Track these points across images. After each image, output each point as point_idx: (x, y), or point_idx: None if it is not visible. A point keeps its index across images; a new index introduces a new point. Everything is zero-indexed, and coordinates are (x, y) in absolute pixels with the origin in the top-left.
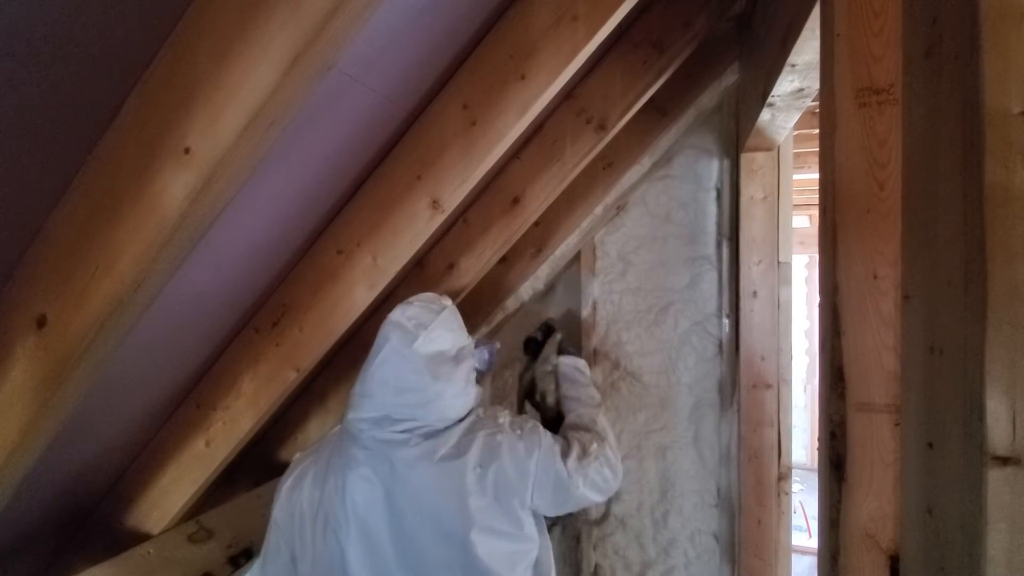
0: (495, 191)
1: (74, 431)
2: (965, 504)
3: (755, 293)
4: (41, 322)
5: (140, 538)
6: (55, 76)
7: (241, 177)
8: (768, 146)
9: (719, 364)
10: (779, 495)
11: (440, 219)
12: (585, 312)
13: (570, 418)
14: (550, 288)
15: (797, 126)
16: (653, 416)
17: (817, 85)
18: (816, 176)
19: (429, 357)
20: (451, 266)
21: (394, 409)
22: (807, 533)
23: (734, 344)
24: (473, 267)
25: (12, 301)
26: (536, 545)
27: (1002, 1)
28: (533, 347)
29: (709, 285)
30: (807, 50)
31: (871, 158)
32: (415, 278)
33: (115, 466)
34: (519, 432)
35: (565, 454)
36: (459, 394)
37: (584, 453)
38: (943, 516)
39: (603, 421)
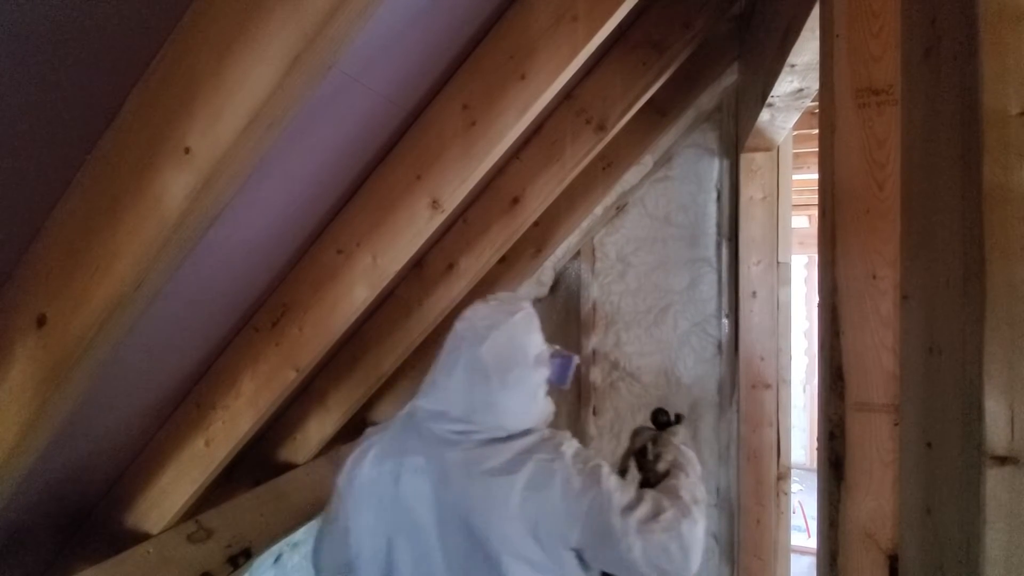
0: (495, 191)
1: (74, 431)
2: (964, 503)
3: (754, 293)
4: (41, 321)
5: (139, 538)
6: (55, 76)
7: (241, 177)
8: (767, 146)
9: (718, 364)
10: (778, 495)
11: (440, 219)
12: (584, 312)
13: (668, 482)
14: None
15: (796, 126)
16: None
17: (816, 85)
18: (815, 176)
19: (497, 361)
20: (451, 266)
21: (453, 405)
22: (806, 533)
23: (733, 344)
24: (473, 267)
25: (12, 300)
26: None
27: (1000, 2)
28: (663, 419)
29: (708, 286)
30: (806, 50)
31: (870, 158)
32: (415, 278)
33: (115, 466)
34: (580, 467)
35: (629, 508)
36: (525, 404)
37: (654, 517)
38: (942, 515)
39: (701, 507)
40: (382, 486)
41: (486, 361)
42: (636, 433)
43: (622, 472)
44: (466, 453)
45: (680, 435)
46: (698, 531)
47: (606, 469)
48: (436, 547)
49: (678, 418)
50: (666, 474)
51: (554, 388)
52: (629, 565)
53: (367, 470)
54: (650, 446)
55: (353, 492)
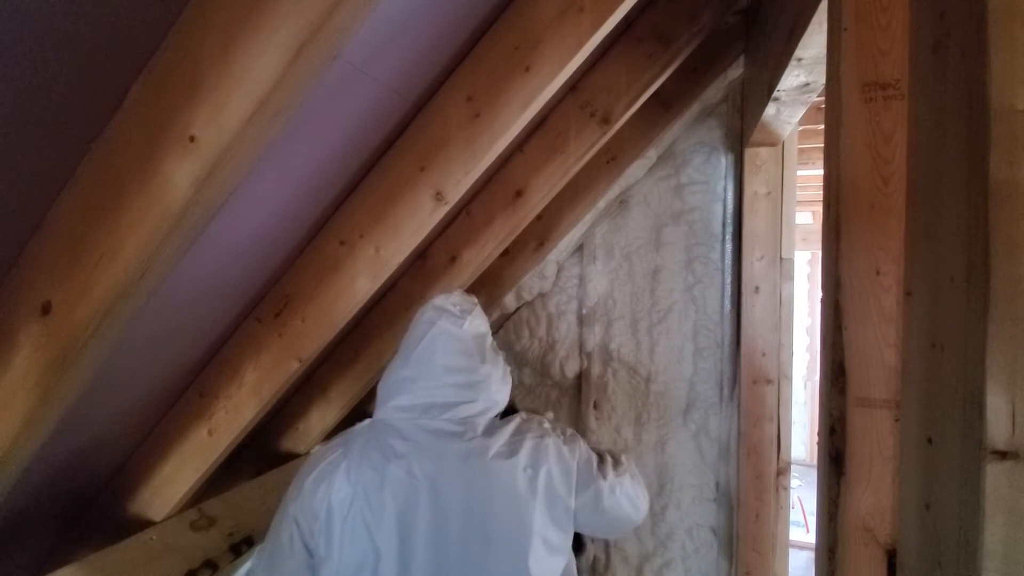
0: (498, 184)
1: (78, 419)
2: (963, 498)
3: (757, 289)
4: (46, 309)
5: (142, 525)
6: (60, 63)
7: (245, 166)
8: (772, 141)
9: (719, 359)
10: (777, 490)
11: (443, 211)
12: (586, 307)
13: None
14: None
15: (801, 122)
16: (653, 410)
17: (823, 80)
18: (820, 172)
19: (477, 338)
20: (453, 258)
21: (441, 393)
22: (805, 528)
23: (735, 339)
24: (475, 259)
25: (17, 288)
26: (569, 557)
27: None
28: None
29: (711, 281)
30: (813, 44)
31: (876, 153)
32: (417, 270)
33: (118, 454)
34: (563, 437)
35: (601, 463)
36: (502, 380)
37: (615, 467)
38: (941, 510)
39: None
40: (362, 501)
41: (470, 339)
42: None
43: None
44: (472, 442)
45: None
46: (639, 478)
47: (579, 436)
48: (421, 557)
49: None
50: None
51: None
52: (612, 508)
53: (337, 489)
54: None
55: (321, 517)
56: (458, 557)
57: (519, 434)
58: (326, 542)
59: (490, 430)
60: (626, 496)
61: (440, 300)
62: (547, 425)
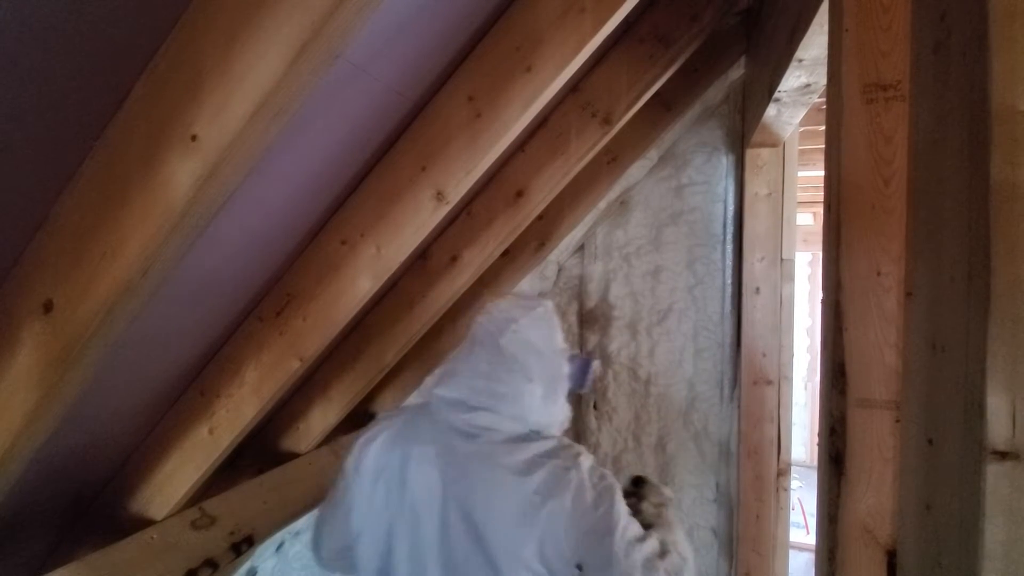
0: (499, 184)
1: (79, 417)
2: (964, 499)
3: (757, 289)
4: (48, 307)
5: (143, 523)
6: (62, 62)
7: (247, 165)
8: (773, 142)
9: (720, 360)
10: (778, 491)
11: (444, 211)
12: (586, 308)
13: (659, 531)
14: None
15: (802, 123)
16: (653, 411)
17: (824, 81)
18: (820, 173)
19: (519, 354)
20: (454, 258)
21: (473, 394)
22: (805, 530)
23: (735, 340)
24: (476, 260)
25: (19, 286)
26: None
27: None
28: (640, 487)
29: (711, 281)
30: (815, 45)
31: (877, 154)
32: (418, 270)
33: (119, 452)
34: (595, 481)
35: (638, 540)
36: (544, 400)
37: (660, 556)
38: (941, 511)
39: (690, 566)
40: (389, 472)
41: (508, 353)
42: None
43: None
44: (484, 446)
45: (661, 496)
46: None
47: (619, 493)
48: (434, 539)
49: (639, 482)
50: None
51: (571, 393)
52: None
53: (375, 454)
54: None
55: (360, 476)
56: (463, 558)
57: (544, 457)
58: (359, 497)
59: (512, 442)
60: None
61: (492, 306)
62: (583, 460)
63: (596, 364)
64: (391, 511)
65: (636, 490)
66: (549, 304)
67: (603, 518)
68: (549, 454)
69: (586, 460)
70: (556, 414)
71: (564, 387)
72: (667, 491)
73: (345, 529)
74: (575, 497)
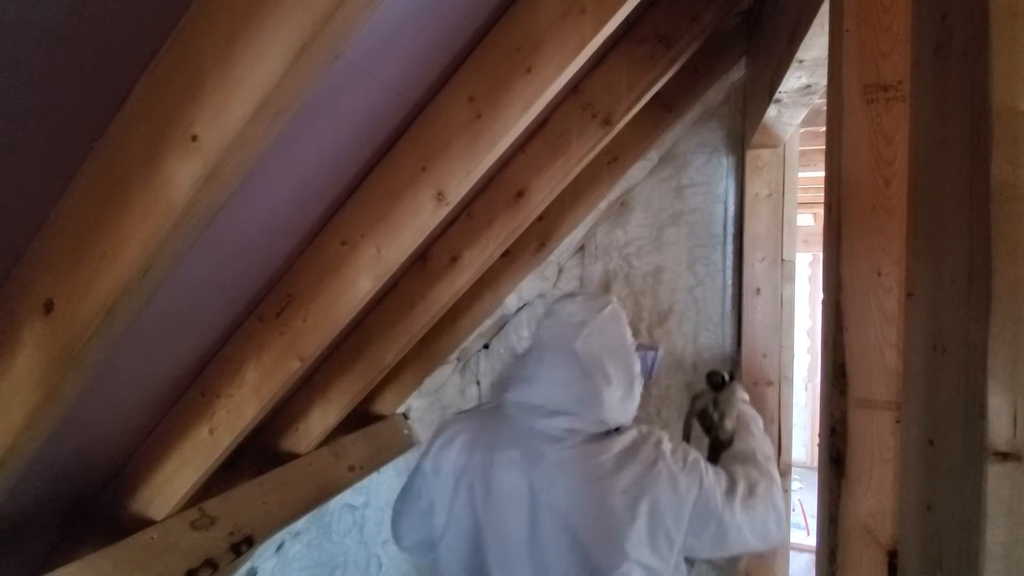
0: (500, 184)
1: (79, 417)
2: (964, 500)
3: (758, 290)
4: (48, 307)
5: (143, 524)
6: (63, 63)
7: (248, 165)
8: (774, 143)
9: (720, 360)
10: None
11: (444, 211)
12: None
13: (740, 445)
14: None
15: (803, 123)
16: (653, 412)
17: (824, 81)
18: (821, 174)
19: (595, 356)
20: (455, 259)
21: (551, 399)
22: (805, 531)
23: (736, 341)
24: (476, 260)
25: (20, 286)
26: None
27: None
28: (717, 380)
29: (712, 282)
30: (815, 46)
31: (877, 155)
32: (418, 270)
33: (119, 452)
34: (681, 464)
35: (730, 492)
36: (622, 398)
37: (751, 493)
38: (942, 512)
39: (773, 463)
40: (471, 474)
41: (583, 356)
42: (696, 397)
43: (687, 436)
44: (572, 450)
45: (737, 392)
46: (780, 492)
47: (702, 461)
48: (523, 539)
49: (731, 376)
50: (733, 432)
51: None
52: (738, 544)
53: (455, 457)
54: (711, 407)
55: (440, 477)
56: (548, 559)
57: (629, 453)
58: (441, 497)
59: (596, 441)
60: (755, 532)
61: (558, 307)
62: (665, 446)
63: (661, 353)
64: (476, 512)
65: (714, 394)
66: (615, 301)
67: (700, 495)
68: (632, 448)
69: (667, 445)
70: (632, 410)
71: (639, 383)
72: (740, 390)
73: (426, 526)
74: (670, 486)
